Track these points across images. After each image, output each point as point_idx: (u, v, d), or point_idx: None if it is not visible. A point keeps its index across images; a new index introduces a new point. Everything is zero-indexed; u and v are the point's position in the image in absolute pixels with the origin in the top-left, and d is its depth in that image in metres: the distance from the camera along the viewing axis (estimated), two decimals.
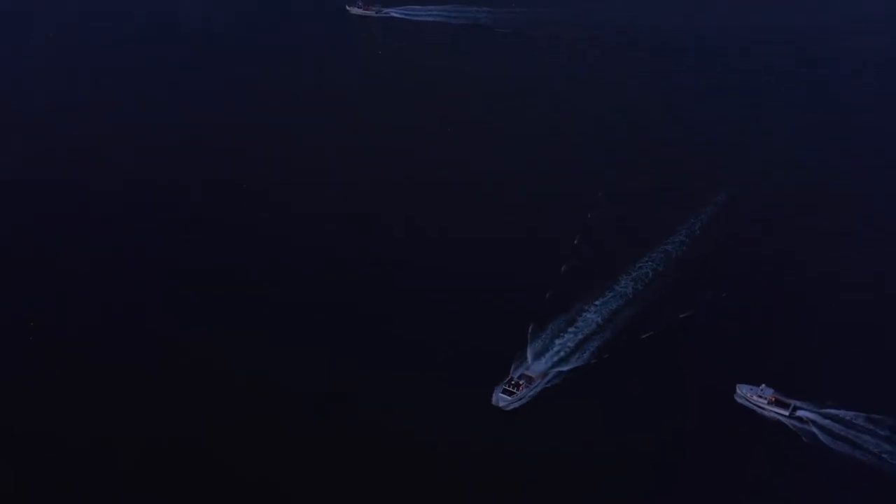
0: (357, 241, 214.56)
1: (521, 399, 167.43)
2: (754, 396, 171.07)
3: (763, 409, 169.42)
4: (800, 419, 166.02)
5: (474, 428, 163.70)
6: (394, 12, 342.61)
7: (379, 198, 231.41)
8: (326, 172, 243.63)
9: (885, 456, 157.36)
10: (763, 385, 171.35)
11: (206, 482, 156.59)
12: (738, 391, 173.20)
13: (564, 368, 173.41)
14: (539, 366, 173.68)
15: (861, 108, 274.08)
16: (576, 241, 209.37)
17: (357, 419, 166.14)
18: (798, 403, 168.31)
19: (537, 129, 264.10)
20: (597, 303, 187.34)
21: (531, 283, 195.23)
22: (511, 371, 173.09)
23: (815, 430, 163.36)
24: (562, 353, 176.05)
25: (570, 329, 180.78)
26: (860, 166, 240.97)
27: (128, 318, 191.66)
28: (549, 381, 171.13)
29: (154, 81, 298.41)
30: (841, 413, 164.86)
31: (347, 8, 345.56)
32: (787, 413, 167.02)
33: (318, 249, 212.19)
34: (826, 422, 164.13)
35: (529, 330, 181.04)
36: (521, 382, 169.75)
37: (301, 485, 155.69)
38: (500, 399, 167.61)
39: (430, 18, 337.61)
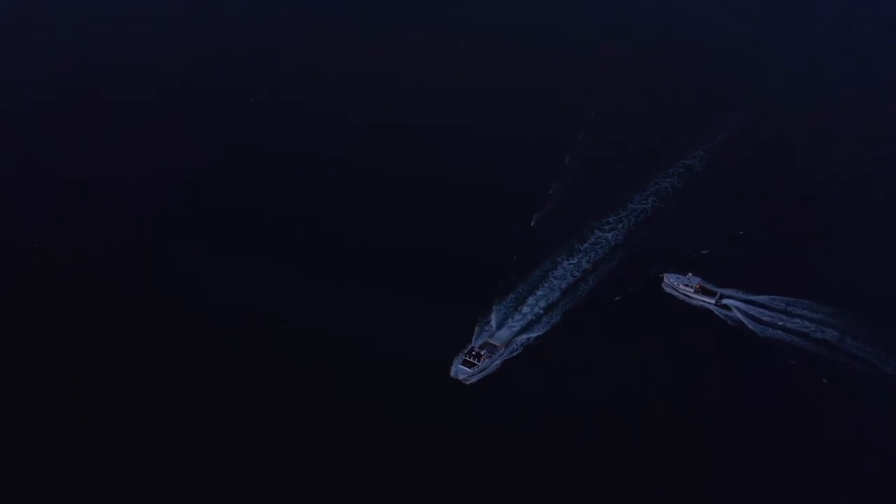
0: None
1: (482, 371, 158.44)
2: (681, 286, 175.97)
3: (690, 297, 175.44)
4: (726, 307, 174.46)
5: (430, 405, 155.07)
6: None
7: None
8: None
9: (810, 334, 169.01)
10: (689, 274, 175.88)
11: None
12: (665, 280, 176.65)
13: (532, 335, 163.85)
14: (504, 333, 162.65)
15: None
16: (550, 191, 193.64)
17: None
18: (724, 291, 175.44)
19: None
20: (570, 262, 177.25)
21: (501, 237, 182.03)
22: (473, 339, 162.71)
23: (740, 316, 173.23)
24: (530, 318, 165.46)
25: (540, 291, 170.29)
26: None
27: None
28: (513, 351, 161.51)
29: None
30: (764, 299, 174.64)
31: None
32: (713, 301, 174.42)
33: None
34: (751, 308, 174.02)
35: (497, 289, 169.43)
36: (482, 353, 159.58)
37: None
38: (460, 371, 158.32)
39: None
